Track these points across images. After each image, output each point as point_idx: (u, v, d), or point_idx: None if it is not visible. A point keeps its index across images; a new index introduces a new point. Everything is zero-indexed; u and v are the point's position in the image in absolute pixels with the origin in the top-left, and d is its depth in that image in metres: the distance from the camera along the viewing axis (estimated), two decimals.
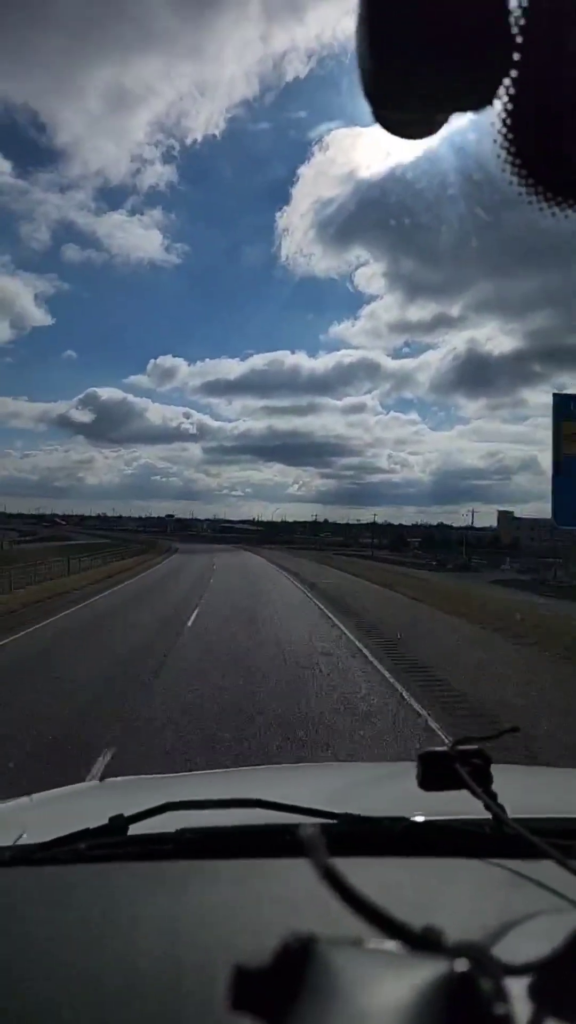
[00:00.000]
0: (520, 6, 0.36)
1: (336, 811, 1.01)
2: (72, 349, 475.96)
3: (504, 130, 0.39)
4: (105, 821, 1.02)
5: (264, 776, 2.04)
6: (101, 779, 1.82)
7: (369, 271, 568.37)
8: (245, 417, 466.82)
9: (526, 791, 1.44)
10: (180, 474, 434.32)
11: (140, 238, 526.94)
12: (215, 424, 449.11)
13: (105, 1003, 0.62)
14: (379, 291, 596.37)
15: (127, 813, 1.03)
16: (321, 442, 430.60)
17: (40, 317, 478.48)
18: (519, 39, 0.37)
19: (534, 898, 0.80)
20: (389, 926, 0.44)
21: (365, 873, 0.48)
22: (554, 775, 2.18)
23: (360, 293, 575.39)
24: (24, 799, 1.49)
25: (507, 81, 0.37)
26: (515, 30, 0.37)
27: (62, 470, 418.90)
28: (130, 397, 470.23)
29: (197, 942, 0.72)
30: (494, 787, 0.88)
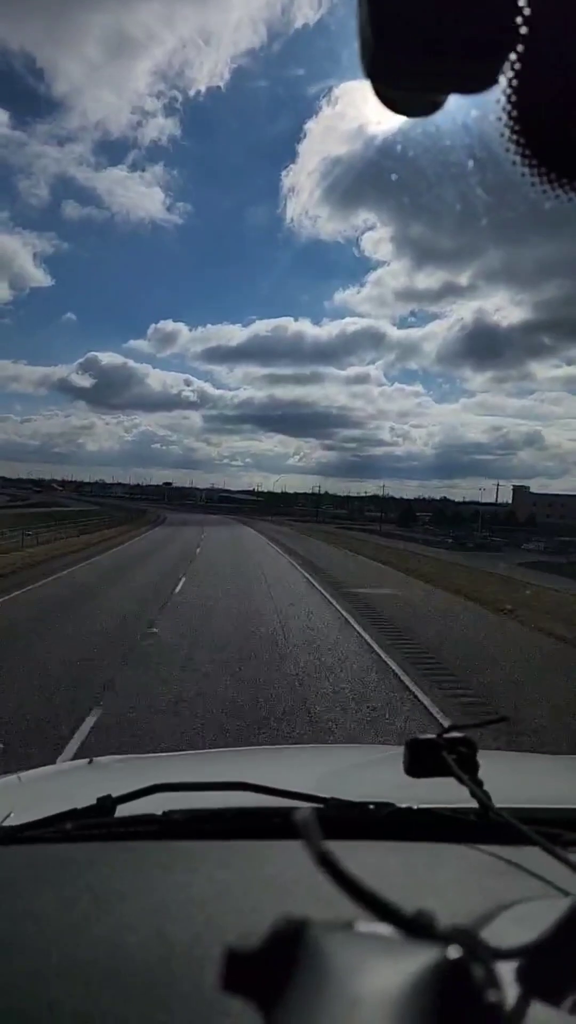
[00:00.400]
0: None
1: (323, 795, 1.03)
2: (72, 311, 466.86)
3: (508, 110, 0.39)
4: (93, 801, 1.04)
5: (253, 758, 2.04)
6: (90, 760, 1.77)
7: (376, 235, 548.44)
8: (246, 385, 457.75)
9: (512, 778, 1.47)
10: (180, 442, 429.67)
11: (141, 196, 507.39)
12: (216, 392, 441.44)
13: (92, 983, 0.63)
14: (386, 257, 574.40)
15: (115, 794, 1.05)
16: (323, 413, 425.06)
17: (39, 277, 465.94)
18: (522, 19, 0.37)
19: (520, 884, 0.82)
20: (382, 909, 0.44)
21: (351, 858, 0.49)
22: (539, 762, 2.16)
23: (367, 259, 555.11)
24: (12, 778, 1.49)
25: (510, 62, 0.37)
26: (519, 10, 0.37)
27: (62, 436, 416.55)
28: (130, 362, 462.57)
29: (185, 923, 0.73)
30: (480, 774, 0.90)
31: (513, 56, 0.37)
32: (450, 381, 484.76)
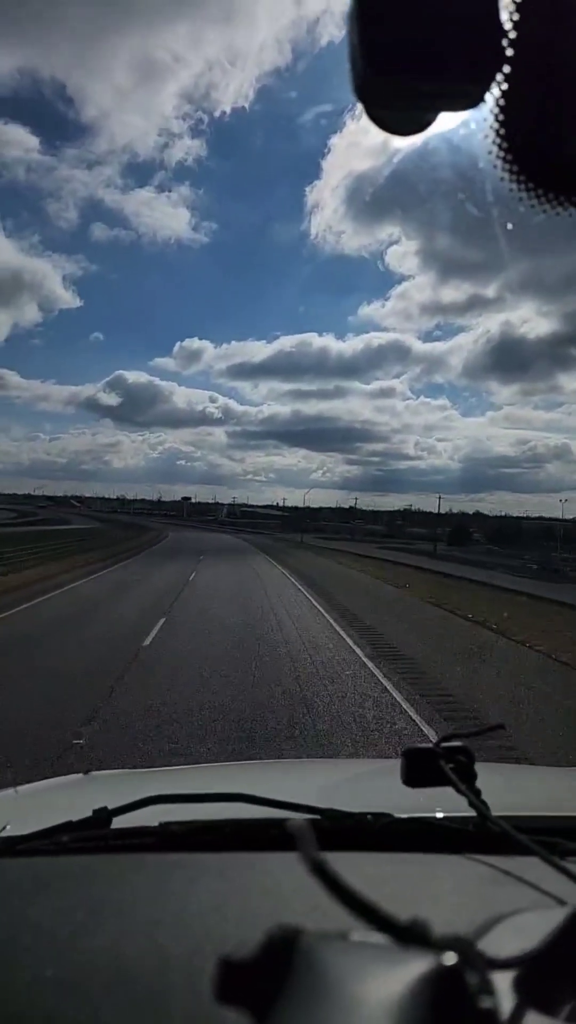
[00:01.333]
0: (511, 6, 0.38)
1: (320, 806, 1.07)
2: (99, 331, 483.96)
3: (497, 128, 0.41)
4: (89, 813, 1.08)
5: (250, 771, 2.06)
6: (86, 772, 1.83)
7: (401, 249, 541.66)
8: (271, 401, 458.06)
9: (509, 788, 1.48)
10: (204, 458, 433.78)
11: (168, 216, 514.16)
12: (240, 408, 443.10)
13: (90, 995, 0.65)
14: (411, 270, 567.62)
15: (111, 806, 1.08)
16: (347, 427, 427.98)
17: (68, 299, 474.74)
18: (510, 39, 0.38)
19: (517, 894, 0.85)
20: (376, 919, 0.45)
21: (348, 868, 0.51)
22: (536, 773, 2.21)
23: (391, 273, 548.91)
24: (9, 791, 1.53)
25: (499, 80, 0.39)
26: (506, 30, 0.38)
27: (89, 453, 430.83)
28: (156, 380, 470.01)
29: (182, 935, 0.76)
30: (478, 784, 0.94)
31: (500, 76, 0.39)
32: (476, 394, 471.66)
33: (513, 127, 0.40)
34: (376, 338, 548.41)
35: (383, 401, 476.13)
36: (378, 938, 0.44)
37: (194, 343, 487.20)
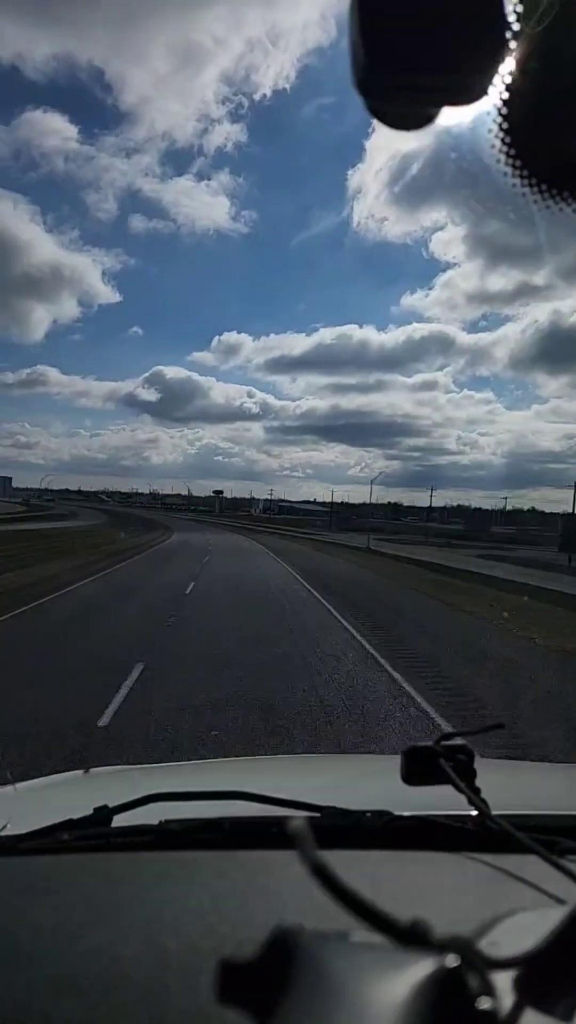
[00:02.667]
0: (512, 2, 0.38)
1: (321, 804, 1.07)
2: (138, 325, 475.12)
3: (499, 123, 0.41)
4: (89, 812, 1.08)
5: (250, 768, 2.07)
6: (86, 770, 1.81)
7: (446, 236, 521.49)
8: (309, 395, 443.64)
9: (509, 786, 1.48)
10: (241, 454, 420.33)
11: (207, 205, 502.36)
12: (278, 403, 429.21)
13: (89, 994, 0.65)
14: (457, 258, 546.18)
15: (111, 804, 1.09)
16: (387, 422, 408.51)
17: (107, 294, 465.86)
18: (511, 34, 0.38)
19: (517, 893, 0.85)
20: (376, 919, 0.46)
21: (348, 866, 0.52)
22: (537, 770, 2.18)
23: (436, 260, 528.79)
24: (8, 788, 1.54)
25: (501, 75, 0.39)
26: (507, 25, 0.38)
27: (128, 449, 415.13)
28: (194, 376, 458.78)
29: (181, 934, 0.76)
30: (477, 782, 0.94)
31: (502, 70, 0.38)
32: (522, 387, 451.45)
33: (516, 121, 0.40)
34: (418, 329, 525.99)
35: (425, 394, 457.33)
36: (378, 939, 0.44)
37: (232, 337, 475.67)
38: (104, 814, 1.06)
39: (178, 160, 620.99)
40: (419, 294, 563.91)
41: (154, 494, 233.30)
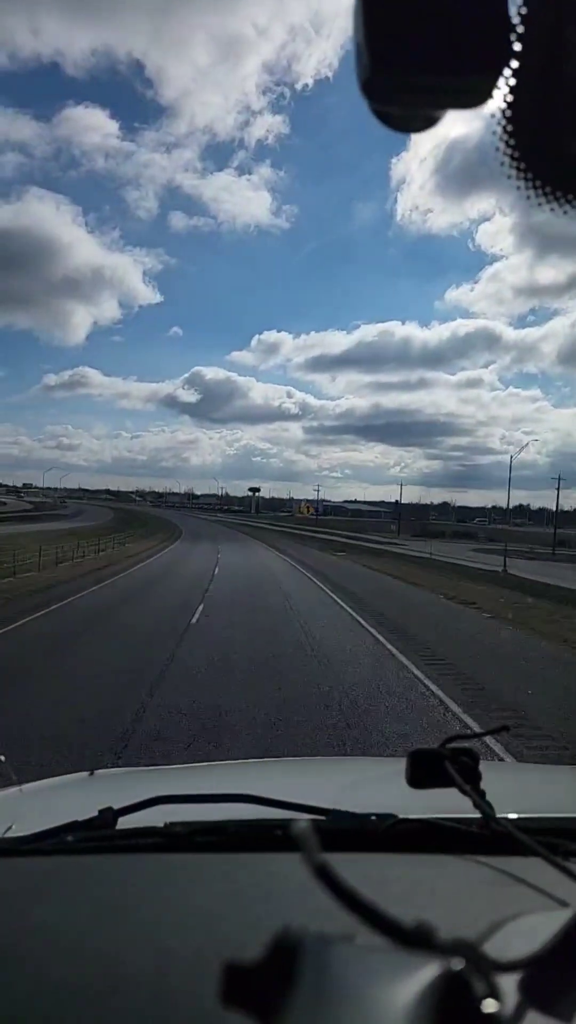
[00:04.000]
0: (518, 4, 0.38)
1: (326, 807, 1.07)
2: (178, 326, 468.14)
3: (503, 125, 0.40)
4: (95, 813, 1.07)
5: (255, 771, 2.07)
6: (91, 772, 1.80)
7: (493, 227, 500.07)
8: (349, 394, 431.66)
9: (514, 789, 1.48)
10: (280, 455, 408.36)
11: (247, 201, 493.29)
12: (317, 403, 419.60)
13: (93, 996, 0.65)
14: (505, 250, 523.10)
15: (117, 806, 1.08)
16: (429, 421, 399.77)
17: (148, 294, 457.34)
18: (517, 36, 0.38)
19: (522, 896, 0.84)
20: (381, 922, 0.47)
21: (353, 869, 0.52)
22: (542, 773, 2.19)
23: (482, 253, 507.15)
24: (14, 790, 1.53)
25: (505, 77, 0.39)
26: (513, 27, 0.38)
27: (168, 450, 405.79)
28: (234, 376, 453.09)
29: (186, 936, 0.77)
30: (483, 785, 0.93)
31: (507, 72, 0.38)
32: (571, 383, 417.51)
33: (520, 124, 0.39)
34: (463, 325, 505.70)
35: (469, 392, 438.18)
36: (383, 942, 0.44)
37: (272, 335, 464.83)
38: (109, 816, 1.06)
39: (219, 154, 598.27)
40: (464, 288, 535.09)
41: (189, 494, 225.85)
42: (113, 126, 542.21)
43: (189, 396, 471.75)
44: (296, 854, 0.48)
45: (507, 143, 0.40)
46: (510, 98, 0.39)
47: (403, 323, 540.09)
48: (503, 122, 0.39)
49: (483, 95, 0.39)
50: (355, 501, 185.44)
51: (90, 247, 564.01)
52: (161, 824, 1.02)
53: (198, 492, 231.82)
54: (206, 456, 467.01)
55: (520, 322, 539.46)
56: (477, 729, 6.59)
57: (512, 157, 0.40)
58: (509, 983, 0.47)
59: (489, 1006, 0.38)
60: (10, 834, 1.09)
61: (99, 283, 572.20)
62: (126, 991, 0.65)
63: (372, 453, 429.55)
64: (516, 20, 0.37)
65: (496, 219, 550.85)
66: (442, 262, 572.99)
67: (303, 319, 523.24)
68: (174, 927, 0.77)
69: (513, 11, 0.37)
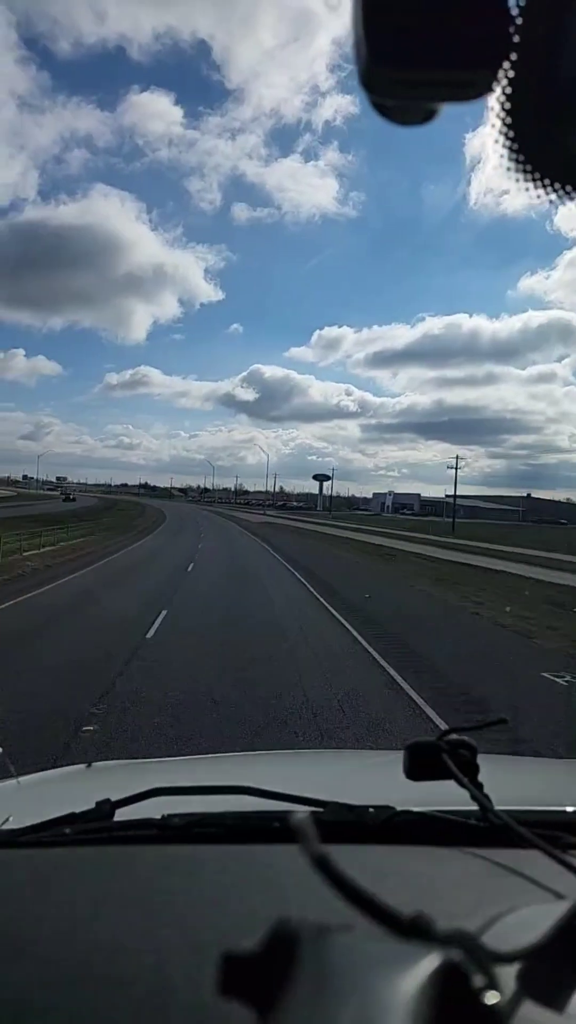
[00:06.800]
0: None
1: (323, 799, 1.07)
2: (238, 322, 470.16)
3: (503, 117, 0.40)
4: (92, 805, 1.07)
5: (252, 763, 2.10)
6: (89, 764, 1.81)
7: None
8: (410, 391, 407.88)
9: (512, 782, 1.48)
10: (335, 454, 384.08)
11: (313, 188, 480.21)
12: (377, 400, 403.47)
13: (91, 988, 0.66)
14: None
15: (114, 798, 1.08)
16: (495, 418, 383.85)
17: (209, 292, 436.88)
18: (516, 28, 0.38)
19: (520, 888, 0.85)
20: (380, 914, 0.47)
21: (351, 861, 0.52)
22: (539, 765, 2.27)
23: (561, 237, 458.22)
24: (11, 782, 1.52)
25: (504, 70, 0.39)
26: (512, 19, 0.38)
27: (224, 449, 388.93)
28: (292, 374, 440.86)
29: (184, 928, 0.77)
30: (480, 777, 0.93)
31: (506, 64, 0.38)
32: None
33: (519, 117, 0.39)
34: (536, 316, 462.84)
35: (540, 387, 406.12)
36: (381, 933, 0.44)
37: (333, 331, 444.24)
38: (106, 808, 1.06)
39: (284, 138, 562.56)
40: (539, 276, 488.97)
41: (239, 491, 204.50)
42: (177, 113, 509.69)
43: (247, 395, 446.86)
44: (294, 846, 0.48)
45: (506, 135, 0.39)
46: (509, 90, 0.38)
47: (470, 315, 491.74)
48: (502, 114, 0.39)
49: (483, 88, 0.38)
50: (420, 496, 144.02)
51: (153, 245, 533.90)
52: (158, 816, 1.02)
53: (252, 489, 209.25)
54: (261, 455, 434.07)
55: None
56: None
57: (511, 150, 0.40)
58: (507, 974, 0.47)
59: (487, 997, 0.38)
60: (7, 826, 1.09)
61: (161, 281, 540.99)
62: (124, 983, 0.65)
63: (431, 452, 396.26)
64: (515, 12, 0.37)
65: None
66: (515, 248, 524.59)
67: (366, 312, 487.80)
68: (172, 919, 0.77)
69: (512, 2, 0.37)
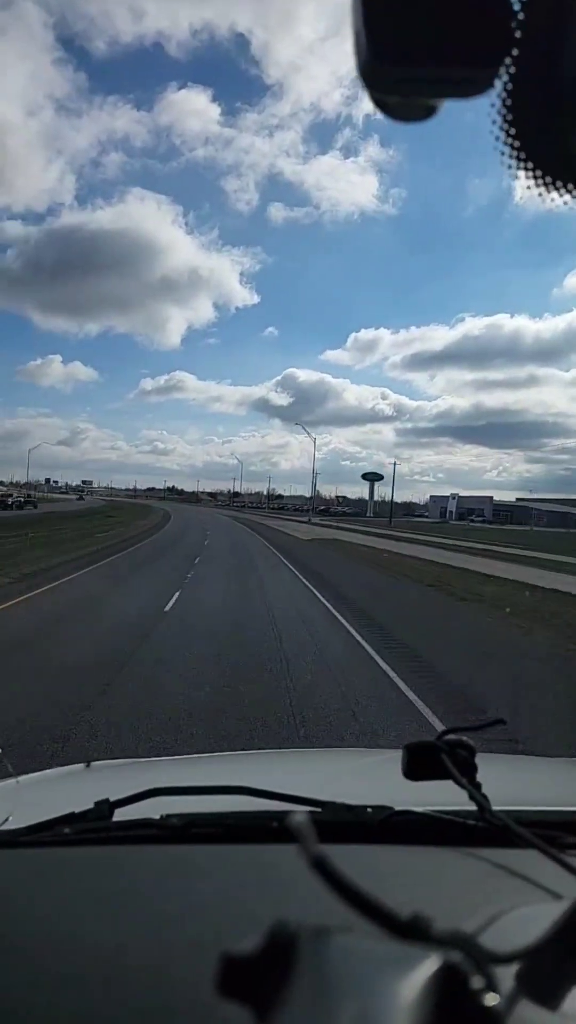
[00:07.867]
0: None
1: (322, 799, 1.07)
2: (273, 325, 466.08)
3: (504, 114, 0.40)
4: (91, 805, 1.08)
5: (251, 762, 2.09)
6: (88, 764, 1.81)
7: None
8: (448, 394, 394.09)
9: (510, 782, 1.48)
10: (369, 458, 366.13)
11: (352, 186, 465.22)
12: (413, 404, 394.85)
13: (91, 988, 0.66)
14: None
15: (113, 798, 1.09)
16: (535, 421, 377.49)
17: (245, 295, 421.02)
18: (517, 24, 0.38)
19: (518, 887, 0.86)
20: (378, 914, 0.47)
21: (349, 861, 0.52)
22: (537, 765, 2.20)
23: None
24: (10, 781, 1.54)
25: (505, 66, 0.39)
26: (513, 15, 0.38)
27: (258, 455, 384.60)
28: (327, 377, 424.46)
29: (183, 927, 0.78)
30: (478, 777, 0.93)
31: (508, 60, 0.38)
32: None
33: (520, 114, 0.39)
34: None
35: None
36: (379, 933, 0.44)
37: (369, 333, 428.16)
38: (105, 808, 1.06)
39: (323, 134, 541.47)
40: None
41: (271, 494, 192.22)
42: (215, 110, 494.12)
43: (281, 399, 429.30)
44: (292, 846, 0.48)
45: (507, 132, 0.39)
46: (510, 87, 0.38)
47: (512, 316, 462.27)
48: (503, 111, 0.39)
49: (483, 84, 0.38)
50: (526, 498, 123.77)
51: (189, 248, 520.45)
52: (157, 816, 1.03)
53: (285, 493, 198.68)
54: (295, 460, 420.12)
55: None
56: None
57: (512, 147, 0.40)
58: (506, 975, 0.47)
59: (486, 998, 0.38)
60: (7, 826, 1.10)
61: (196, 285, 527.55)
62: (124, 982, 0.66)
63: (467, 456, 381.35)
64: (516, 8, 0.37)
65: None
66: (562, 245, 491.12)
67: (404, 313, 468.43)
68: (171, 919, 0.78)
69: (512, 0, 0.37)
